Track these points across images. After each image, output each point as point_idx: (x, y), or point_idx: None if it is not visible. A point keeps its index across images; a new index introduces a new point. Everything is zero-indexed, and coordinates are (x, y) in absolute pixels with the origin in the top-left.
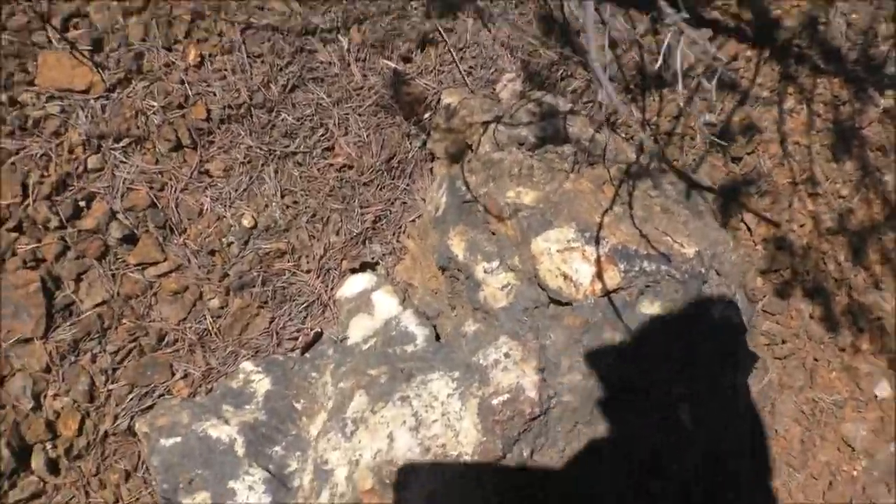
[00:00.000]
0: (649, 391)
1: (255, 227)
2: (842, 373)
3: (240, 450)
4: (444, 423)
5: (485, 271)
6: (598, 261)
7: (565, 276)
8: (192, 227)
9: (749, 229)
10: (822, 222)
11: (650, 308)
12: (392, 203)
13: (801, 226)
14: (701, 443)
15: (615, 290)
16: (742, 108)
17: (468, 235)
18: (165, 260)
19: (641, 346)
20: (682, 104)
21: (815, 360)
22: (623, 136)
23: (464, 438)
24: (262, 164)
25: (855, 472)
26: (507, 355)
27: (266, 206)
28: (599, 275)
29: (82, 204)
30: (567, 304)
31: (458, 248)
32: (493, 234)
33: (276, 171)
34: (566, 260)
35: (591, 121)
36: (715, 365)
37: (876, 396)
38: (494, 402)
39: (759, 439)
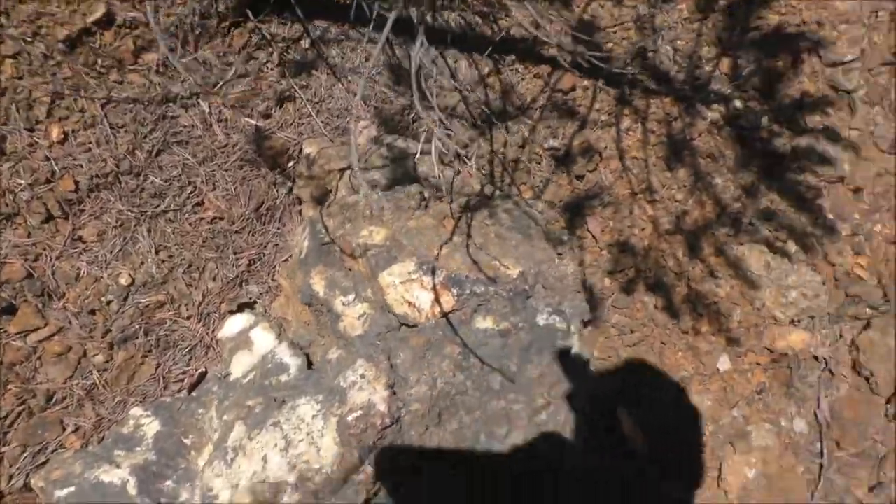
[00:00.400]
0: (483, 395)
1: (132, 283)
2: (686, 352)
3: (132, 490)
4: (309, 441)
5: (343, 304)
6: (434, 288)
7: (409, 304)
8: (71, 291)
9: (594, 237)
10: (661, 225)
11: (483, 323)
12: (265, 246)
13: (642, 230)
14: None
15: (451, 312)
16: (582, 132)
17: (327, 274)
18: (46, 325)
19: (479, 355)
20: (526, 133)
21: (663, 343)
22: (475, 166)
23: (325, 453)
24: (135, 225)
25: (703, 437)
26: (362, 376)
27: (142, 263)
28: (437, 300)
29: None
30: (413, 326)
31: (318, 286)
32: (350, 270)
33: (148, 230)
34: (408, 290)
35: (441, 158)
36: (544, 364)
37: (718, 370)
38: (350, 418)
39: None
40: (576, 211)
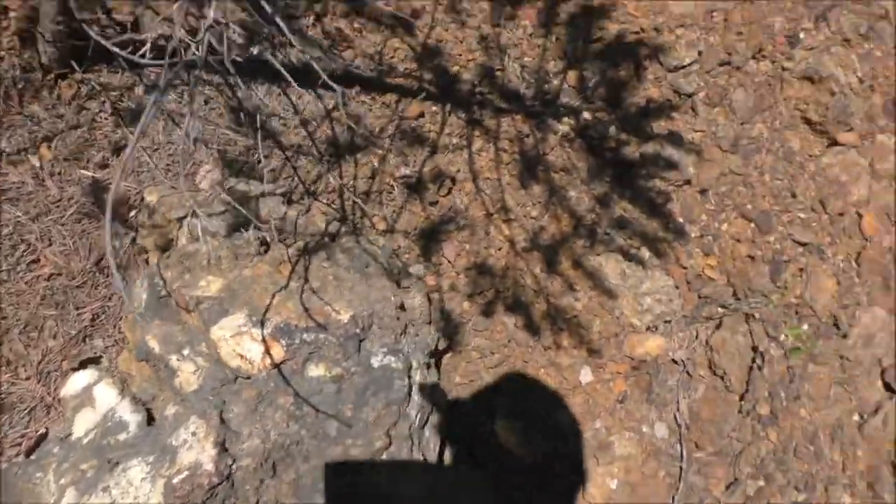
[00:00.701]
0: (321, 442)
1: None
2: (549, 368)
3: None
4: None
5: (178, 360)
6: (263, 340)
7: (241, 357)
8: None
9: (451, 262)
10: (518, 243)
11: (316, 371)
12: (109, 299)
13: (499, 250)
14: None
15: (283, 362)
16: (433, 157)
17: (163, 329)
18: None
19: (312, 404)
20: (376, 164)
21: (525, 362)
22: (325, 202)
23: None
24: None
25: (583, 441)
26: (193, 434)
27: None
28: (267, 352)
29: None
30: (248, 378)
31: (153, 341)
32: (185, 324)
33: None
34: (239, 343)
35: (288, 197)
36: (380, 405)
37: (580, 382)
38: (176, 480)
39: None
40: (431, 237)
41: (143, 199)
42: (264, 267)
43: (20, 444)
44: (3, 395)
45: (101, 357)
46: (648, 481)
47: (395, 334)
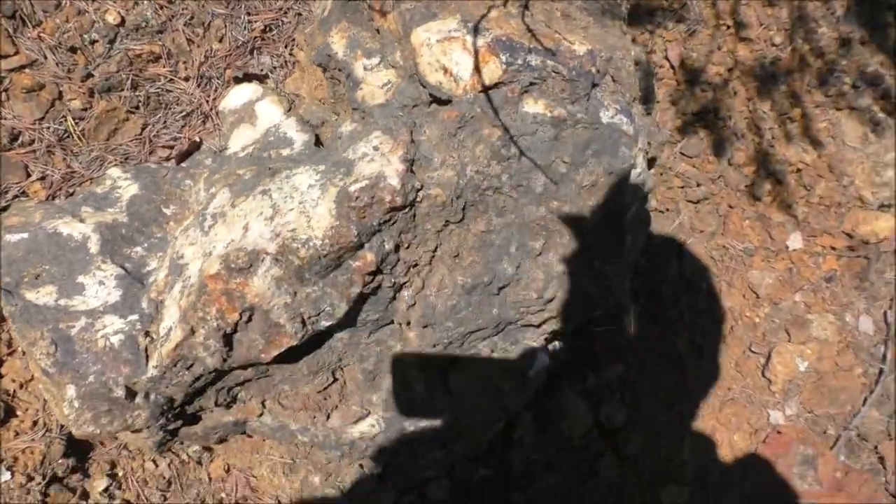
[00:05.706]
0: (521, 196)
1: (122, 24)
2: (755, 222)
3: (93, 247)
4: (300, 210)
5: (365, 68)
6: (476, 52)
7: (445, 70)
8: (49, 21)
9: (672, 67)
10: (747, 67)
11: (533, 107)
12: (285, 13)
13: (729, 70)
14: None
15: (496, 86)
16: None
17: (350, 32)
18: (17, 54)
19: (520, 145)
20: None
21: (730, 206)
22: None
23: (316, 223)
24: None
25: (757, 319)
26: (375, 148)
27: (136, 3)
28: (478, 68)
29: None
30: (447, 101)
31: (338, 44)
32: (377, 31)
33: None
34: (446, 51)
35: None
36: (600, 171)
37: (787, 247)
38: (353, 188)
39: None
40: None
41: None
42: None
43: (171, 148)
44: (159, 91)
45: (266, 76)
46: (840, 374)
47: (628, 95)
